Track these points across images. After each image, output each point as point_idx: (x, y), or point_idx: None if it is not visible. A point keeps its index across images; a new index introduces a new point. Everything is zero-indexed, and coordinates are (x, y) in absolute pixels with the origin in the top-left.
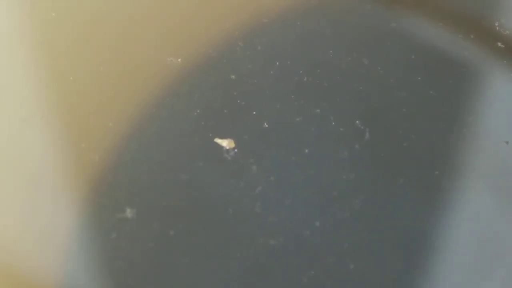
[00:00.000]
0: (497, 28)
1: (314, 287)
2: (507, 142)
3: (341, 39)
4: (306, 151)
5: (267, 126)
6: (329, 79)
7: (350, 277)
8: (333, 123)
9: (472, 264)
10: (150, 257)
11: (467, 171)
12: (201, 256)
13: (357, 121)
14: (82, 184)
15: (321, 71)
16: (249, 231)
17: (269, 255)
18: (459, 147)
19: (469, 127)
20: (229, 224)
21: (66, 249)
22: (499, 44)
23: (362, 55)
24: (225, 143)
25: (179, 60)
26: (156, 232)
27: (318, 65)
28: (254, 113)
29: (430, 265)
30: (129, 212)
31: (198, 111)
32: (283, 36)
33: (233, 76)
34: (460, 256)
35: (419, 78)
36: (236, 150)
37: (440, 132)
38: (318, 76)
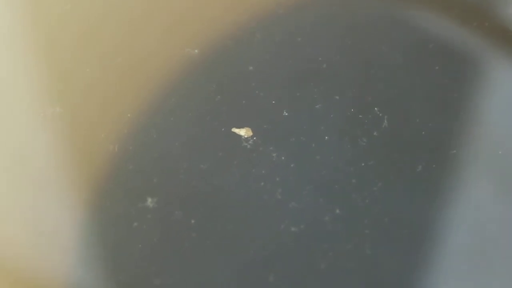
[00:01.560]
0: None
1: (333, 272)
2: None
3: (359, 27)
4: (326, 137)
5: (286, 114)
6: (348, 66)
7: (368, 263)
8: (352, 110)
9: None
10: (172, 245)
11: (474, 161)
12: (223, 244)
13: (375, 108)
14: (100, 175)
15: (339, 58)
16: (270, 217)
17: (290, 241)
18: (466, 137)
19: (479, 117)
20: (250, 211)
21: (79, 245)
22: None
23: (381, 42)
24: (243, 132)
25: (196, 51)
26: (178, 221)
27: (336, 52)
28: (273, 102)
29: (447, 252)
30: (150, 201)
31: (216, 102)
32: (300, 26)
33: (251, 68)
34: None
35: (437, 68)
36: (254, 138)
37: (455, 121)
38: (336, 63)
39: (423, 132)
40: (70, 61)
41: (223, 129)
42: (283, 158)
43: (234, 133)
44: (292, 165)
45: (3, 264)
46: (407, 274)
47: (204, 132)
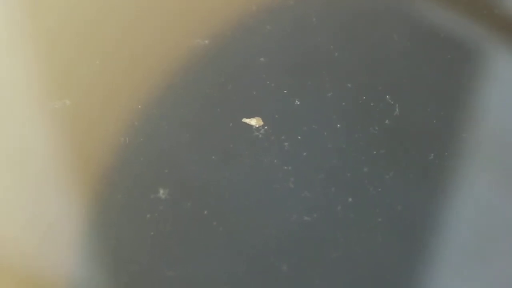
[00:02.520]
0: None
1: (346, 261)
2: None
3: (370, 15)
4: (338, 125)
5: (298, 103)
6: (360, 54)
7: (380, 251)
8: (364, 97)
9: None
10: (184, 236)
11: (480, 151)
12: (235, 234)
13: (387, 96)
14: (112, 168)
15: (352, 46)
16: (282, 207)
17: (302, 230)
18: (476, 128)
19: (491, 105)
20: (263, 201)
21: (91, 238)
22: None
23: (392, 31)
24: (254, 121)
25: (206, 41)
26: (190, 212)
27: (348, 40)
28: (284, 91)
29: (461, 238)
30: (162, 193)
31: (227, 92)
32: (311, 16)
33: (262, 59)
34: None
35: (448, 56)
36: (266, 127)
37: (466, 109)
38: (349, 51)
39: (435, 121)
40: (78, 53)
41: (234, 119)
42: (295, 147)
43: (245, 123)
44: (304, 154)
45: (8, 263)
46: (419, 262)
47: (215, 122)
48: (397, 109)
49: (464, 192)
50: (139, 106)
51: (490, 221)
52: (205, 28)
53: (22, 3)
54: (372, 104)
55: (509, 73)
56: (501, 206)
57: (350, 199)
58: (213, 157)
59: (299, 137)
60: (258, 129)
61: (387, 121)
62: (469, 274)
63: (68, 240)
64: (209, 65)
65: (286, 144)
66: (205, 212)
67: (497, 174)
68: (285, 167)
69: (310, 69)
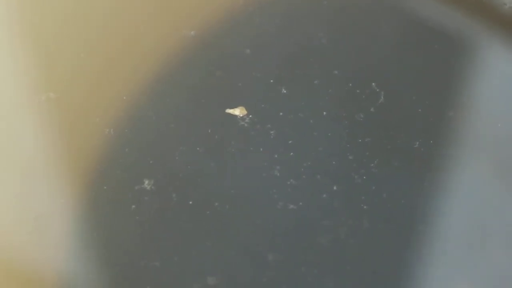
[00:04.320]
0: None
1: (332, 249)
2: None
3: (358, 3)
4: (324, 113)
5: (285, 92)
6: (347, 41)
7: (367, 238)
8: (350, 85)
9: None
10: (170, 227)
11: (465, 139)
12: (221, 224)
13: (373, 83)
14: (97, 159)
15: (339, 34)
16: (268, 195)
17: (288, 218)
18: (462, 118)
19: (476, 95)
20: (248, 189)
21: (77, 229)
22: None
23: (380, 19)
24: (237, 111)
25: (192, 33)
26: (175, 202)
27: (336, 28)
28: (271, 81)
29: (445, 224)
30: (147, 184)
31: (212, 84)
32: (299, 6)
33: (248, 51)
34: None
35: (436, 46)
36: (251, 116)
37: (452, 99)
38: (336, 39)
39: (420, 109)
40: (62, 45)
41: (220, 110)
42: (280, 135)
43: (229, 113)
44: (290, 142)
45: None
46: (405, 247)
47: (200, 113)
48: (382, 97)
49: (448, 180)
50: (124, 98)
51: (476, 208)
52: (192, 19)
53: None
54: (358, 91)
55: (496, 63)
56: (488, 193)
57: (335, 187)
58: (198, 148)
59: (285, 126)
60: (243, 118)
61: (372, 109)
62: (455, 260)
63: (55, 233)
64: (195, 56)
65: (272, 132)
66: (190, 202)
67: (482, 162)
68: (271, 156)
69: (297, 57)
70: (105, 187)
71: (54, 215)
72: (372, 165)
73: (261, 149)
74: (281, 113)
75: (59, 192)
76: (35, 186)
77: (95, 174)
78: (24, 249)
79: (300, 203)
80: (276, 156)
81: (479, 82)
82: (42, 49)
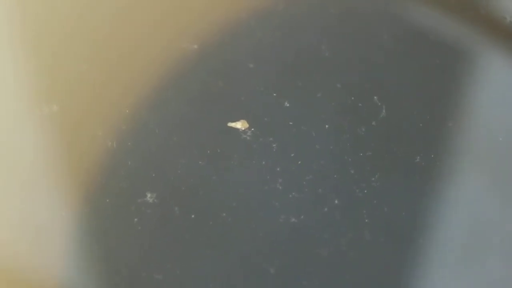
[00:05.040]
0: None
1: (334, 263)
2: None
3: (361, 17)
4: (326, 126)
5: (288, 105)
6: (350, 54)
7: (368, 251)
8: (352, 98)
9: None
10: (172, 239)
11: (466, 153)
12: (223, 237)
13: (375, 97)
14: (99, 172)
15: (342, 47)
16: (270, 208)
17: (290, 231)
18: (462, 130)
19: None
20: (251, 202)
21: (78, 243)
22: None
23: (382, 32)
24: (239, 124)
25: (195, 46)
26: (178, 215)
27: (338, 41)
28: (274, 94)
29: (445, 239)
30: (149, 197)
31: (215, 97)
32: (301, 20)
33: (251, 65)
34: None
35: (437, 60)
36: (253, 129)
37: (453, 112)
38: (339, 52)
39: (421, 124)
40: (65, 58)
41: (222, 123)
42: (283, 148)
43: (231, 127)
44: (292, 155)
45: None
46: (406, 260)
47: (203, 126)
48: (384, 111)
49: (450, 194)
50: (127, 111)
51: (476, 221)
52: (194, 32)
53: (8, 7)
54: (360, 104)
55: (497, 74)
56: (487, 206)
57: (336, 201)
58: (200, 161)
59: (287, 139)
60: (245, 131)
61: (374, 123)
62: (455, 273)
63: (57, 245)
64: (198, 70)
65: (274, 145)
66: (193, 215)
67: (483, 175)
68: (273, 169)
69: (300, 70)
70: (107, 200)
71: (55, 227)
72: (373, 178)
73: (263, 162)
74: (283, 126)
75: (61, 204)
76: (37, 198)
77: (97, 186)
78: (25, 260)
79: (302, 216)
80: (278, 169)
81: (480, 95)
82: (44, 62)
